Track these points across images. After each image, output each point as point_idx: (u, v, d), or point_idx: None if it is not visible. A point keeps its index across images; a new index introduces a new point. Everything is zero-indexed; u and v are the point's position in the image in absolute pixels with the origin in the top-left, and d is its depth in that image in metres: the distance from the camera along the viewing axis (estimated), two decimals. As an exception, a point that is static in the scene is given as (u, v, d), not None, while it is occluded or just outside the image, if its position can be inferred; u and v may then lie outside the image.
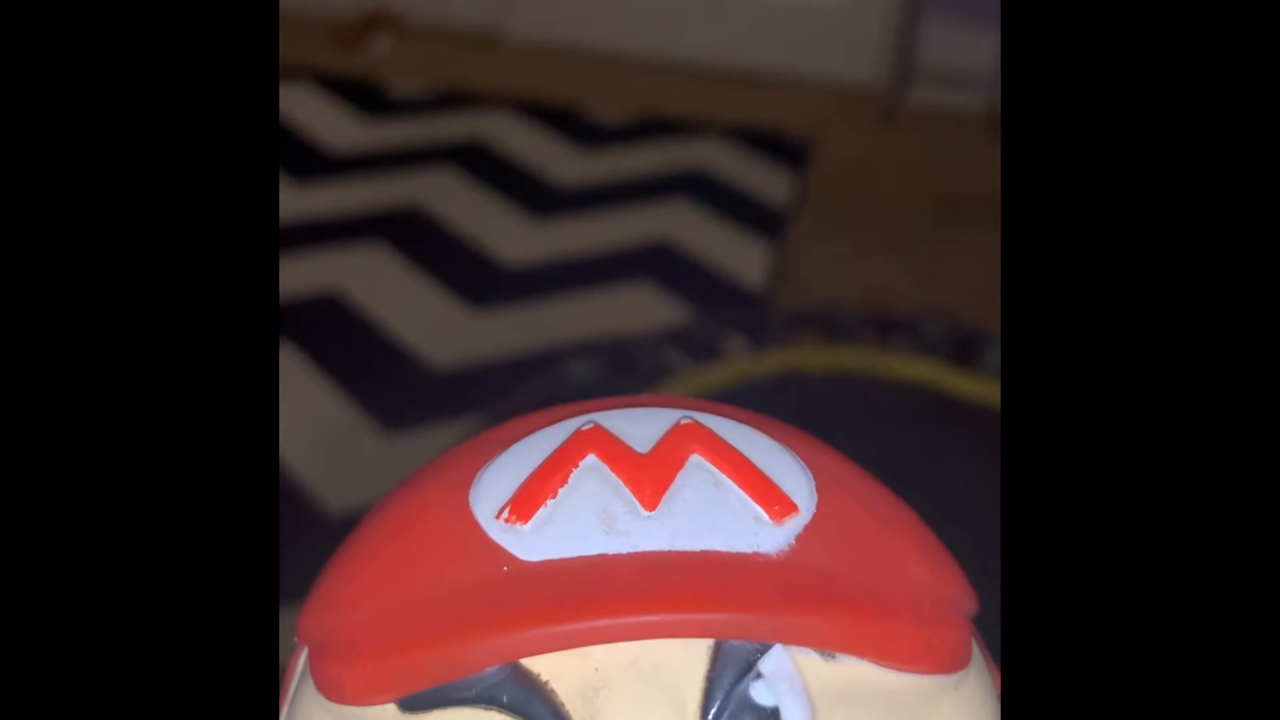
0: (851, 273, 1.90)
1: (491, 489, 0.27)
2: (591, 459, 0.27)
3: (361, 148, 2.17)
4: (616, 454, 0.27)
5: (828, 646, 0.25)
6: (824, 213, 2.07)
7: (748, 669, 0.24)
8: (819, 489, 0.27)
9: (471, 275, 1.84)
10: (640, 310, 1.77)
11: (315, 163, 2.12)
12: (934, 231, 2.02)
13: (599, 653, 0.24)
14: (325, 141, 2.18)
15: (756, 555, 0.25)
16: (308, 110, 2.27)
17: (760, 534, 0.26)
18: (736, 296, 1.83)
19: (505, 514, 0.26)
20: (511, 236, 1.93)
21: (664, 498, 0.26)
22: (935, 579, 0.27)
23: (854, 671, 0.25)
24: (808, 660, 0.25)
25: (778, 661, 0.25)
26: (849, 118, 2.39)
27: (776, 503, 0.26)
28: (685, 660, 0.24)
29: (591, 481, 0.27)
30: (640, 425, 0.28)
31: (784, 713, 0.24)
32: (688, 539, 0.25)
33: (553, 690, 0.24)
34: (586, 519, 0.26)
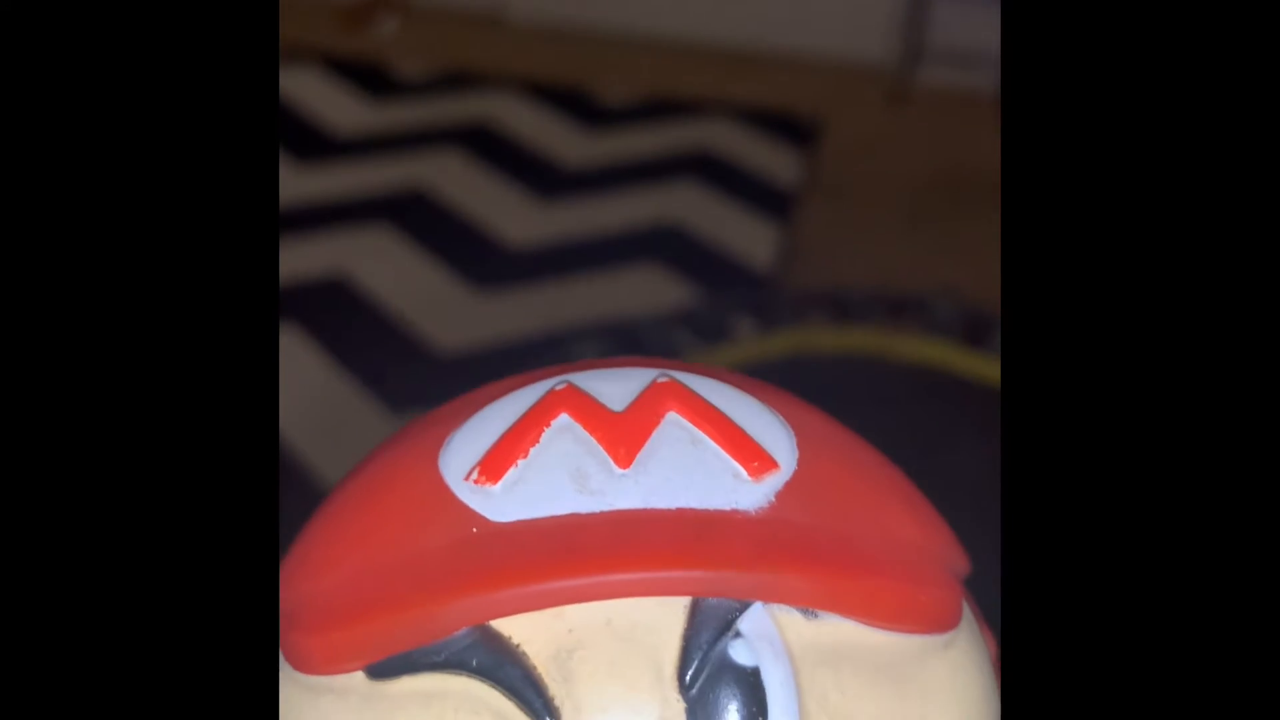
0: (861, 253, 1.89)
1: (461, 451, 0.26)
2: (564, 418, 0.26)
3: (367, 129, 2.16)
4: (590, 413, 0.26)
5: (809, 604, 0.24)
6: (833, 193, 2.06)
7: (726, 627, 0.24)
8: (800, 446, 0.26)
9: (477, 257, 1.83)
10: (648, 292, 1.76)
11: (320, 145, 2.11)
12: (944, 211, 2.01)
13: (572, 613, 0.24)
14: (330, 123, 2.17)
15: (735, 512, 0.25)
16: (313, 92, 2.26)
17: (739, 491, 0.25)
18: (745, 278, 1.82)
19: (474, 475, 0.25)
20: (518, 218, 1.92)
21: (639, 456, 0.25)
22: (923, 537, 0.26)
23: (838, 630, 0.24)
24: (789, 619, 0.24)
25: (757, 620, 0.24)
26: (858, 97, 2.38)
27: (755, 459, 0.26)
28: (662, 619, 0.24)
29: (564, 441, 0.26)
30: (616, 384, 0.27)
31: (764, 672, 0.23)
32: (663, 497, 0.25)
33: (524, 653, 0.23)
34: (558, 478, 0.25)
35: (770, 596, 0.24)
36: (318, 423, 1.47)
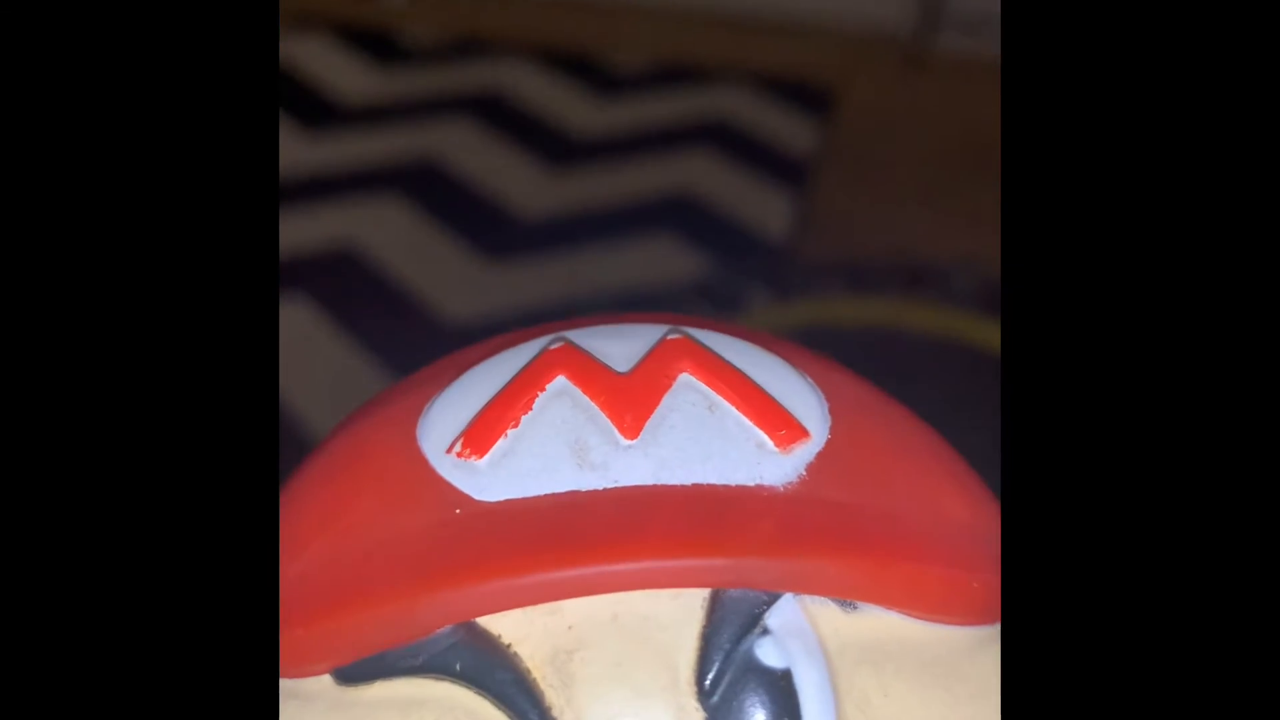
0: (878, 223, 1.88)
1: (443, 420, 0.23)
2: (561, 381, 0.23)
3: (376, 98, 2.15)
4: (591, 374, 0.23)
5: (848, 595, 0.21)
6: (849, 162, 2.05)
7: (752, 624, 0.21)
8: (833, 412, 0.23)
9: (488, 228, 1.82)
10: (661, 262, 1.75)
11: (329, 114, 2.11)
12: (962, 180, 1.99)
13: (572, 608, 0.21)
14: (339, 92, 2.17)
15: (760, 488, 0.22)
16: (322, 60, 2.26)
17: (764, 464, 0.22)
18: (760, 248, 1.81)
19: (458, 447, 0.22)
20: (529, 188, 1.92)
21: (648, 424, 0.22)
22: (972, 515, 0.23)
23: (879, 624, 0.22)
24: (824, 612, 0.21)
25: (788, 614, 0.21)
26: (875, 64, 2.37)
27: (783, 427, 0.23)
28: (676, 615, 0.21)
29: (561, 407, 0.23)
30: (621, 342, 0.24)
31: (796, 674, 0.21)
32: (676, 471, 0.22)
33: (516, 654, 0.21)
34: (555, 451, 0.22)
35: (802, 587, 0.21)
36: (327, 395, 1.46)
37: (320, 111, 2.11)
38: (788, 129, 2.12)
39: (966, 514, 0.23)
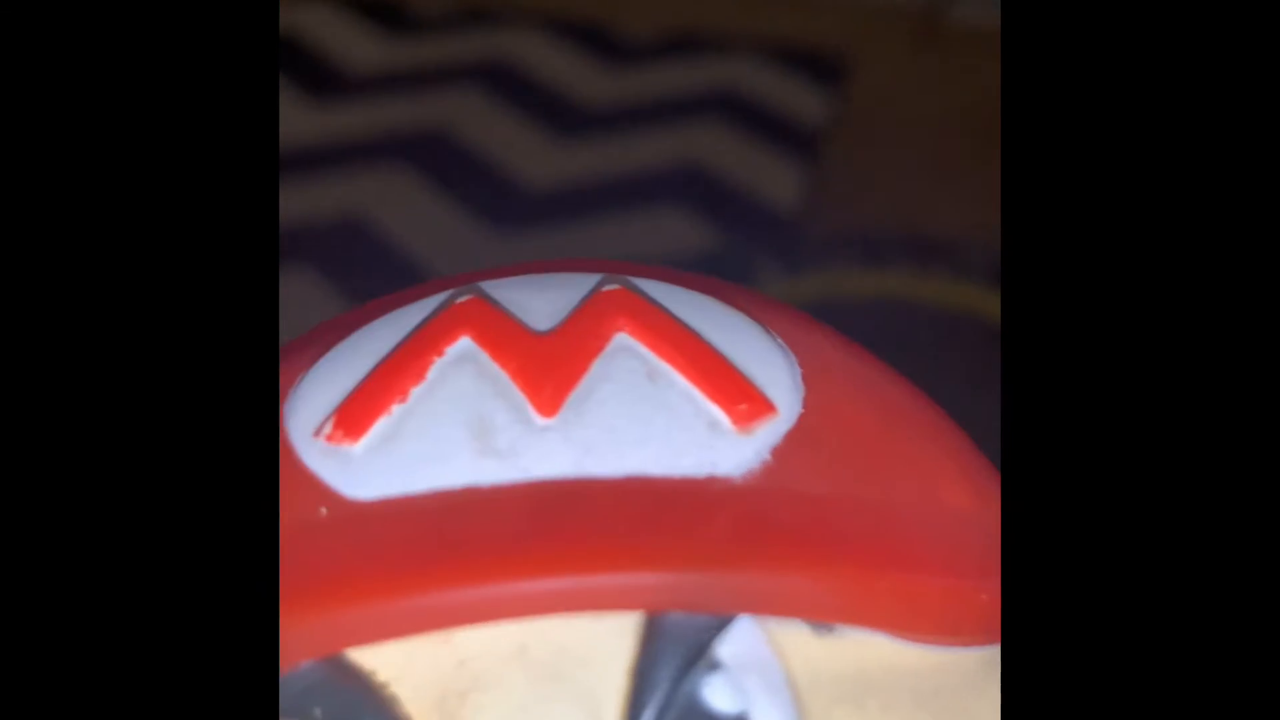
0: (890, 195, 1.87)
1: (315, 395, 0.19)
2: (465, 343, 0.19)
3: (383, 67, 2.16)
4: (503, 334, 0.19)
5: (822, 615, 0.18)
6: (861, 133, 2.04)
7: (697, 655, 0.17)
8: (806, 380, 0.19)
9: (496, 198, 1.81)
10: (670, 234, 1.74)
11: (335, 83, 2.11)
12: (975, 153, 1.97)
13: (466, 639, 0.17)
14: (346, 61, 2.17)
15: (712, 480, 0.18)
16: (327, 29, 2.26)
17: (718, 447, 0.18)
18: (770, 220, 1.80)
19: (327, 429, 0.18)
20: (537, 158, 1.91)
21: (570, 397, 0.18)
22: (979, 507, 0.19)
23: (861, 649, 0.18)
24: (791, 637, 0.17)
25: (745, 641, 0.17)
26: (888, 35, 2.35)
27: (743, 400, 0.18)
28: (601, 645, 0.17)
29: (462, 376, 0.18)
30: (546, 295, 0.20)
31: (755, 719, 0.17)
32: (605, 458, 0.18)
33: (394, 696, 0.17)
34: (450, 432, 0.18)
35: (763, 606, 0.17)
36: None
37: (327, 81, 2.12)
38: (799, 100, 2.11)
39: (970, 504, 0.19)
